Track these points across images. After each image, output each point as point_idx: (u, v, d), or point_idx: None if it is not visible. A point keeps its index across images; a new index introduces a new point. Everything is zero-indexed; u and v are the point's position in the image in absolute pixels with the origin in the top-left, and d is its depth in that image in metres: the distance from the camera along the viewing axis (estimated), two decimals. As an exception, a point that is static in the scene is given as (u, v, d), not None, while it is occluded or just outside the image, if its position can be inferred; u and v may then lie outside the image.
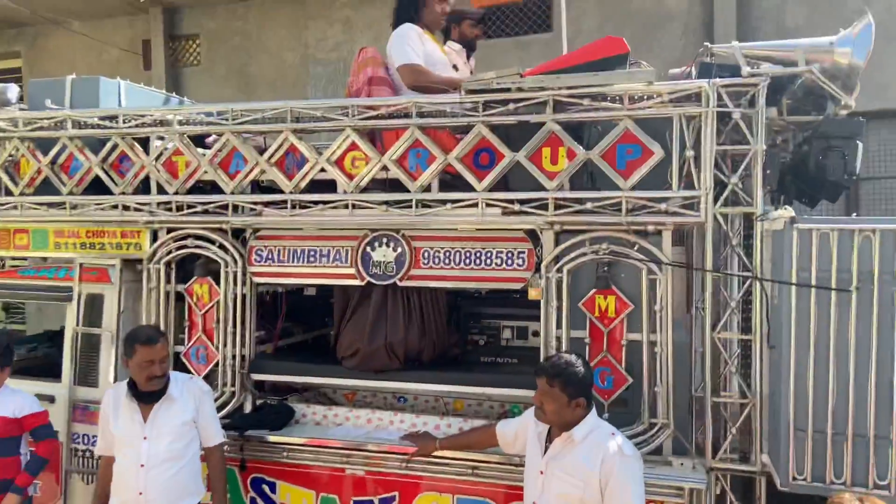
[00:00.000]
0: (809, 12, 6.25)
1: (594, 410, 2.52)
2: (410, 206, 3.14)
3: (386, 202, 3.19)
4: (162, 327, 3.50)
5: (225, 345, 3.48)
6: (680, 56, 6.36)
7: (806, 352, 2.51)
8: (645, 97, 2.87)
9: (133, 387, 2.90)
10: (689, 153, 2.81)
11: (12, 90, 3.87)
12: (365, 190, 3.27)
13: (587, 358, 2.88)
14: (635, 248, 2.91)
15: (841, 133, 2.84)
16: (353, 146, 3.25)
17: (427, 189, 3.17)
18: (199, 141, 3.63)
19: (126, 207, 3.57)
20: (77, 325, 3.71)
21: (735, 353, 2.85)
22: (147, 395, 2.89)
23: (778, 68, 2.81)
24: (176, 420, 2.90)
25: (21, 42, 8.93)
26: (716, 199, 2.80)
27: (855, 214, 4.93)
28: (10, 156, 3.79)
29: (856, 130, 2.84)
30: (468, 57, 4.41)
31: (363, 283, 3.31)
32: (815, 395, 2.51)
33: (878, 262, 2.40)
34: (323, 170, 3.29)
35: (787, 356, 2.53)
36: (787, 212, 2.67)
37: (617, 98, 2.90)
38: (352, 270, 3.31)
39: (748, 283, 2.77)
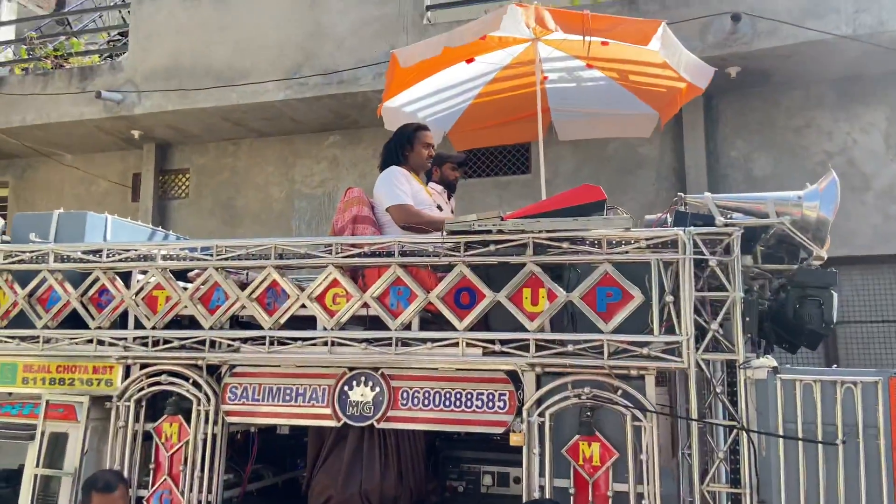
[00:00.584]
0: (775, 163, 6.60)
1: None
2: (390, 344, 3.11)
3: (366, 340, 3.16)
4: (126, 470, 3.33)
5: (191, 489, 3.29)
6: (654, 199, 6.63)
7: (797, 507, 2.42)
8: (623, 242, 2.95)
9: None
10: (669, 298, 2.84)
11: (-7, 223, 3.90)
12: (344, 327, 3.25)
13: (572, 509, 2.76)
14: (618, 393, 2.87)
15: (816, 283, 2.90)
16: (335, 283, 3.27)
17: (408, 327, 3.15)
18: (181, 275, 3.64)
19: (101, 342, 3.50)
20: (37, 465, 3.52)
21: (725, 505, 2.75)
22: None
23: (750, 219, 2.92)
24: None
25: (9, 172, 9.11)
26: (697, 345, 2.81)
27: (836, 366, 4.95)
28: (-13, 287, 3.75)
29: (830, 281, 2.91)
30: (449, 197, 4.57)
31: (339, 425, 3.21)
32: (809, 554, 2.40)
33: (862, 415, 2.38)
34: (304, 306, 3.28)
35: (779, 511, 2.44)
36: (769, 361, 2.68)
37: (596, 242, 2.97)
38: (328, 410, 3.22)
39: (734, 433, 2.72)
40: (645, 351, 2.83)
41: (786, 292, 3.00)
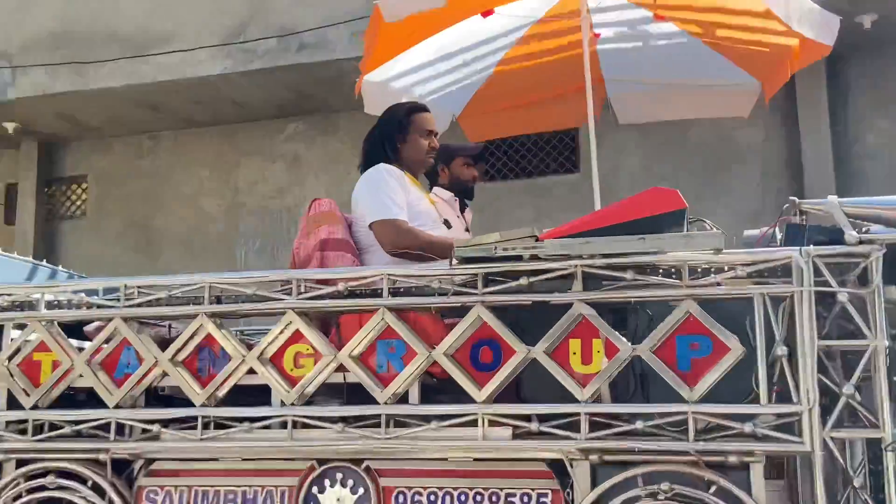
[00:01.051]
0: (933, 149, 6.63)
1: None
2: (378, 425, 3.13)
3: (342, 419, 3.17)
4: None
5: None
6: (759, 207, 6.66)
7: None
8: (713, 270, 2.96)
9: None
10: (781, 350, 2.84)
11: None
12: (312, 401, 3.27)
13: None
14: (711, 490, 2.86)
15: None
16: (297, 337, 3.29)
17: (403, 399, 3.17)
18: (75, 330, 3.67)
19: (-42, 428, 3.53)
20: None
21: None
22: None
23: (896, 233, 2.93)
24: None
25: None
26: (825, 418, 2.80)
27: None
28: None
29: None
30: (462, 209, 4.61)
31: (305, 545, 3.21)
32: None
33: None
34: (252, 371, 3.30)
35: None
36: (929, 439, 2.66)
37: (674, 271, 2.99)
38: (289, 524, 3.23)
39: (884, 544, 2.70)
40: (748, 428, 2.82)
41: (953, 339, 2.99)
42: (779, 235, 3.24)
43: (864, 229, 3.00)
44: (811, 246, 2.91)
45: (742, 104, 5.69)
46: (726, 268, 2.94)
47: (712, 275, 2.95)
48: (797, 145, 6.82)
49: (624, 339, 2.98)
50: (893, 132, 6.74)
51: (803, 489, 2.97)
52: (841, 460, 2.80)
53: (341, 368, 3.22)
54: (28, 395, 3.50)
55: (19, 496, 3.46)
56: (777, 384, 2.87)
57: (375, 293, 3.22)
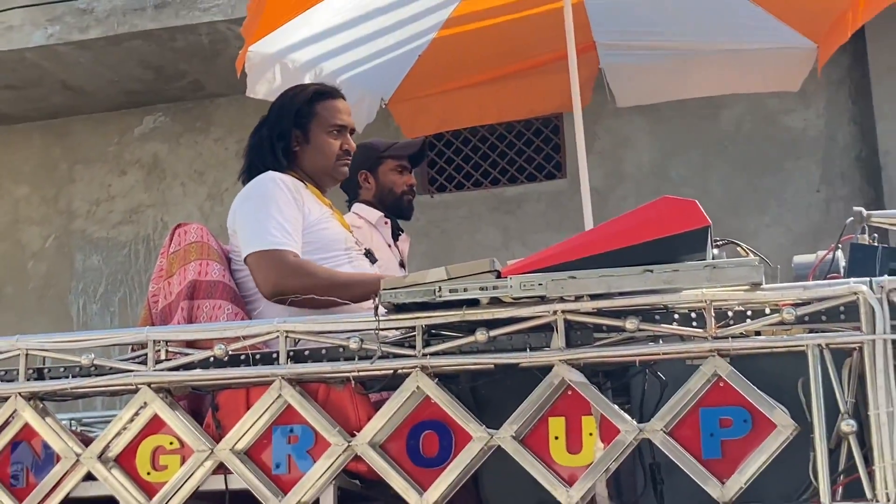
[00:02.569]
0: None
1: None
2: (274, 551, 3.13)
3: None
4: None
5: None
6: (820, 221, 6.75)
7: None
8: (749, 314, 3.00)
9: None
10: (848, 426, 2.88)
11: None
12: (180, 519, 3.26)
13: None
14: None
15: None
16: (157, 424, 3.29)
17: (312, 513, 3.16)
18: None
19: None
20: None
21: None
22: None
23: None
24: None
25: None
26: (914, 519, 2.84)
27: None
28: None
29: None
30: (395, 234, 4.63)
31: None
32: None
33: None
34: (91, 476, 3.28)
35: None
36: None
37: (694, 316, 3.02)
38: None
39: None
40: (806, 537, 2.86)
41: None
42: (843, 262, 3.28)
43: (959, 252, 3.06)
44: (886, 276, 2.96)
45: (791, 75, 5.77)
46: (768, 310, 2.98)
47: (749, 321, 2.99)
48: (871, 133, 6.92)
49: (626, 416, 3.01)
50: None
51: None
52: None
53: (221, 468, 3.21)
54: None
55: None
56: (843, 474, 2.90)
57: (269, 358, 3.22)
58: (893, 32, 6.69)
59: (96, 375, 3.35)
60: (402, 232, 4.70)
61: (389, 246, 4.53)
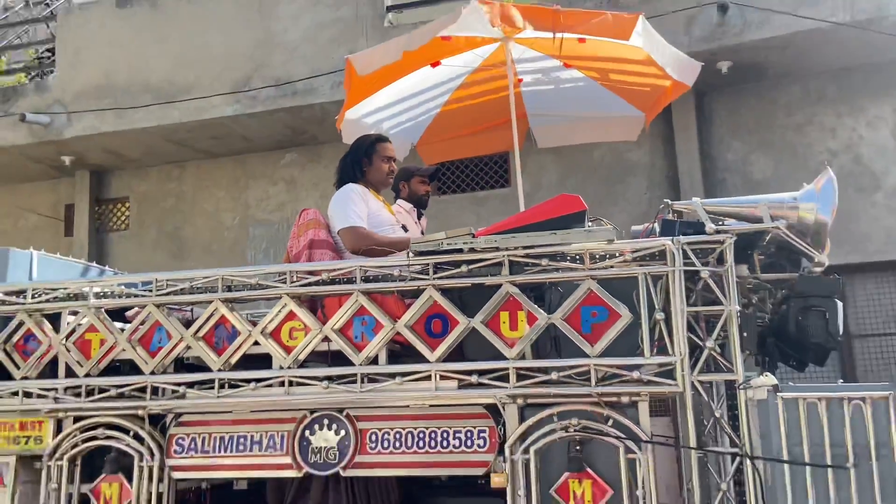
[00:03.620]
0: (775, 164, 6.73)
1: None
2: (355, 381, 3.11)
3: (328, 377, 3.15)
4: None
5: (135, 558, 3.25)
6: (647, 209, 6.72)
7: (809, 539, 2.45)
8: (607, 256, 2.99)
9: None
10: (659, 315, 2.87)
11: None
12: (304, 364, 3.25)
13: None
14: (609, 423, 2.88)
15: (818, 292, 2.96)
16: (291, 315, 3.27)
17: (374, 361, 3.15)
18: (118, 315, 3.62)
19: (27, 394, 3.45)
20: (-44, 541, 3.45)
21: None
22: None
23: (744, 225, 2.98)
24: None
25: (-74, 210, 9.03)
26: (693, 365, 2.84)
27: (841, 380, 5.02)
28: None
29: (833, 289, 2.97)
30: (419, 216, 4.60)
31: (300, 475, 3.19)
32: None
33: (874, 434, 2.42)
34: (257, 343, 3.27)
35: (789, 545, 2.46)
36: (770, 379, 2.71)
37: (577, 257, 3.01)
38: (287, 459, 3.19)
39: (738, 460, 2.75)
40: (636, 375, 2.85)
41: (787, 304, 3.05)
42: (657, 229, 3.27)
43: (720, 223, 3.04)
44: (681, 236, 2.95)
45: (631, 130, 5.74)
46: (618, 254, 2.97)
47: (607, 259, 2.98)
48: (674, 162, 6.89)
49: (541, 311, 3.00)
50: (745, 151, 6.84)
51: (682, 421, 3.00)
52: (706, 397, 2.84)
53: (326, 339, 3.21)
54: (81, 366, 3.44)
55: (76, 445, 3.41)
56: (657, 341, 2.90)
57: (351, 281, 3.20)
58: (685, 107, 6.66)
59: (260, 289, 3.34)
60: (423, 215, 4.66)
61: (415, 223, 4.48)
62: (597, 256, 2.98)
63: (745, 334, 2.81)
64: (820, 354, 3.13)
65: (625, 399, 2.88)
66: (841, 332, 2.98)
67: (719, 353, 2.85)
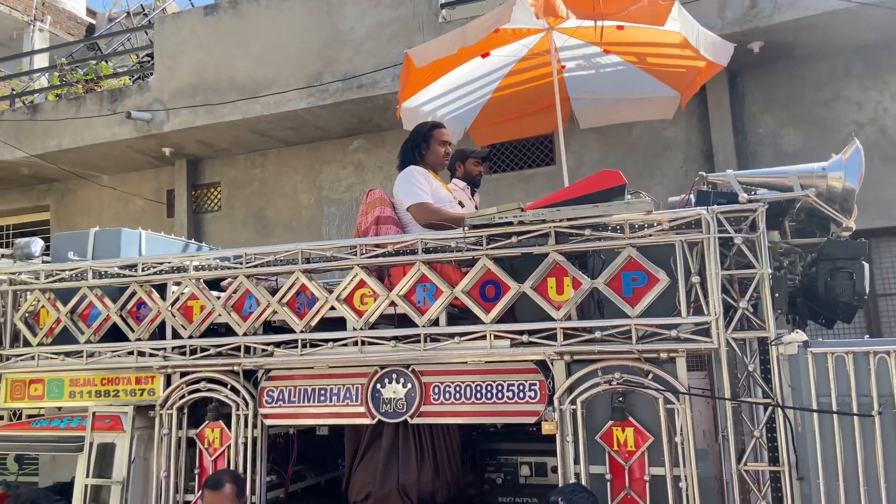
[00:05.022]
0: (805, 137, 6.45)
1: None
2: (419, 341, 3.14)
3: (395, 337, 3.19)
4: (172, 476, 3.44)
5: (234, 492, 3.36)
6: (683, 183, 6.53)
7: (835, 482, 2.38)
8: (646, 225, 2.93)
9: None
10: (695, 279, 2.81)
11: (35, 244, 4.03)
12: (374, 326, 3.29)
13: (610, 495, 2.77)
14: (649, 377, 2.85)
15: (845, 254, 2.85)
16: (362, 283, 3.31)
17: (435, 323, 3.17)
18: (214, 285, 3.72)
19: (141, 353, 3.60)
20: (87, 476, 3.63)
21: (766, 485, 2.71)
22: None
23: (775, 194, 2.87)
24: None
25: (50, 196, 9.39)
26: (728, 324, 2.77)
27: (867, 336, 4.83)
28: (31, 307, 3.88)
29: (859, 251, 2.85)
30: (472, 193, 4.57)
31: (373, 422, 3.25)
32: (852, 530, 2.35)
33: (898, 384, 2.33)
34: (333, 308, 3.32)
35: (817, 487, 2.40)
36: (800, 335, 2.63)
37: (618, 227, 2.95)
38: (362, 409, 3.26)
39: (770, 410, 2.68)
40: (674, 333, 2.81)
41: (816, 266, 2.94)
42: (692, 200, 3.19)
43: (753, 192, 2.94)
44: (715, 205, 2.87)
45: (667, 109, 5.59)
46: (656, 224, 2.91)
47: (646, 229, 2.92)
48: (708, 137, 6.67)
49: (585, 276, 2.97)
50: (775, 125, 6.57)
51: (716, 375, 2.94)
52: (739, 353, 2.77)
53: (393, 304, 3.24)
54: (185, 329, 3.56)
55: (183, 396, 3.54)
56: (693, 303, 2.84)
57: (413, 252, 3.22)
58: (719, 86, 6.43)
59: (334, 261, 3.38)
60: (476, 192, 4.63)
61: (470, 199, 4.45)
62: (636, 226, 2.93)
63: (776, 295, 2.73)
64: (847, 312, 3.02)
65: (663, 355, 2.84)
66: (867, 291, 2.87)
67: (752, 313, 2.78)
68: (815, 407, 2.42)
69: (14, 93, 9.59)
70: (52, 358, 3.76)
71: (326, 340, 3.29)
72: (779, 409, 2.63)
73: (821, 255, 2.97)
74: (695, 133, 6.76)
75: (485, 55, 4.96)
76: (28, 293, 3.89)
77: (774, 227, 3.01)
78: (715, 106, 6.61)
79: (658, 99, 5.46)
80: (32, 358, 3.80)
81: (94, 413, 3.70)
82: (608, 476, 2.84)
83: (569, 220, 2.95)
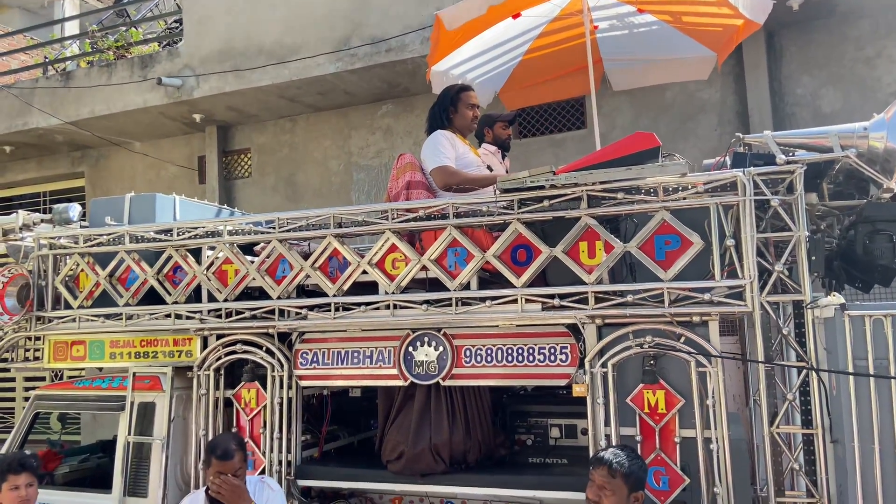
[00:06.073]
0: (844, 97, 6.26)
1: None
2: (450, 305, 3.17)
3: (426, 301, 3.22)
4: (210, 434, 3.54)
5: (272, 450, 3.47)
6: (717, 146, 6.40)
7: (870, 445, 2.37)
8: (680, 188, 2.89)
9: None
10: (730, 242, 2.78)
11: (73, 209, 4.12)
12: (405, 290, 3.32)
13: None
14: (681, 340, 2.84)
15: (886, 216, 2.79)
16: (393, 248, 3.33)
17: (466, 287, 3.19)
18: (247, 249, 3.77)
19: (178, 316, 3.68)
20: (129, 434, 3.75)
21: (798, 448, 2.71)
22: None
23: (814, 155, 2.81)
24: None
25: (85, 163, 9.54)
26: (762, 287, 2.74)
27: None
28: (71, 271, 3.99)
29: (900, 213, 2.78)
30: (503, 157, 4.54)
31: (406, 384, 3.30)
32: (884, 493, 2.35)
33: (937, 347, 2.29)
34: (365, 272, 3.36)
35: (852, 451, 2.39)
36: (837, 298, 2.60)
37: (651, 190, 2.92)
38: (394, 371, 3.31)
39: (804, 373, 2.67)
40: (707, 297, 2.79)
41: (854, 229, 2.88)
42: (728, 162, 3.14)
43: (791, 153, 2.89)
44: (751, 167, 2.82)
45: (702, 70, 5.46)
46: (690, 186, 2.87)
47: (680, 191, 2.89)
48: (744, 98, 6.51)
49: (617, 240, 2.95)
50: (814, 86, 6.39)
51: (749, 338, 2.93)
52: (773, 316, 2.75)
53: (424, 268, 3.26)
54: (220, 292, 3.63)
55: (219, 358, 3.63)
56: (727, 266, 2.81)
57: (445, 216, 3.23)
58: (755, 45, 6.25)
59: (366, 225, 3.40)
60: (506, 156, 4.60)
61: (500, 163, 4.43)
62: (670, 189, 2.89)
63: (813, 258, 2.69)
64: (886, 275, 2.96)
65: (696, 318, 2.83)
66: (908, 254, 2.81)
67: (787, 276, 2.75)
68: (851, 370, 2.40)
69: (47, 60, 9.69)
70: (92, 320, 3.87)
71: (359, 304, 3.33)
72: (813, 373, 2.61)
73: (860, 217, 2.91)
74: (730, 94, 6.60)
75: (515, 16, 4.87)
76: (68, 257, 3.99)
77: (812, 189, 2.95)
78: (752, 66, 6.43)
79: (693, 59, 5.32)
80: (73, 320, 3.91)
81: (134, 373, 3.81)
82: (638, 438, 2.86)
83: (601, 183, 2.93)
